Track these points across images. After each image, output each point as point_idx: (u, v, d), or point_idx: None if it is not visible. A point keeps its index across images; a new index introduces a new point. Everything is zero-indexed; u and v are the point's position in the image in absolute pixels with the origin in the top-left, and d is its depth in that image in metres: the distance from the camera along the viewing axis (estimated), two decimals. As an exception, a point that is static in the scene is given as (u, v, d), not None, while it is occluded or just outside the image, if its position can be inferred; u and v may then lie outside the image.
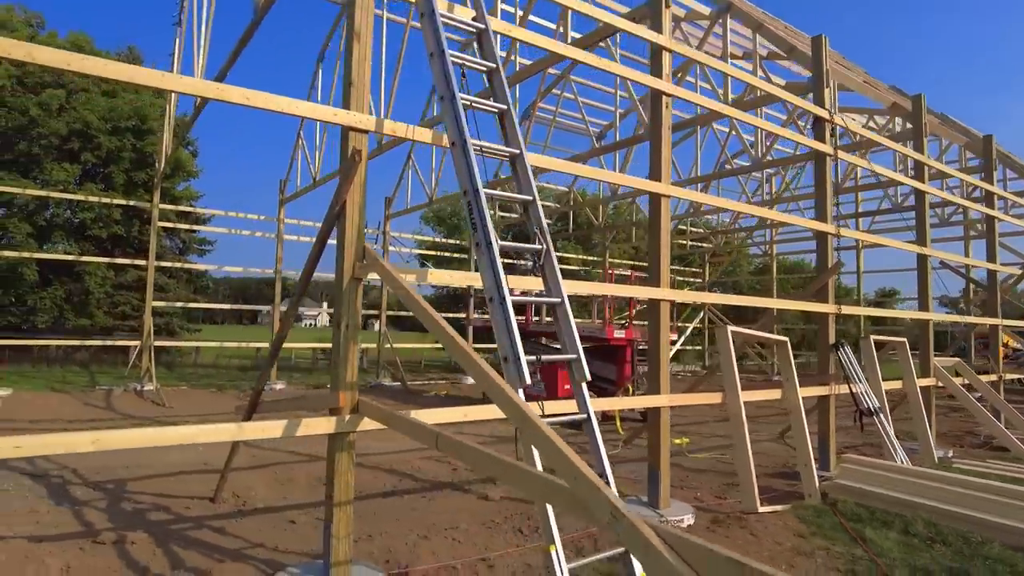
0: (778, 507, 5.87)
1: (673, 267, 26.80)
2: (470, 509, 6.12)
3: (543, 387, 11.98)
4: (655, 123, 5.87)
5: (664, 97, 5.83)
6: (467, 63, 4.03)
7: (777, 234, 22.93)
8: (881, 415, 7.16)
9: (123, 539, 4.85)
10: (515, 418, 2.90)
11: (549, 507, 3.09)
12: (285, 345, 19.98)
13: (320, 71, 13.28)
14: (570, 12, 7.00)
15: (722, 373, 6.24)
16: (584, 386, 3.70)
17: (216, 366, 23.45)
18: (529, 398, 11.43)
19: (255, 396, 5.11)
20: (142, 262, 15.47)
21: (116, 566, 4.41)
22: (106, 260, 16.79)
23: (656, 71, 5.87)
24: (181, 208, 19.77)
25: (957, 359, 9.93)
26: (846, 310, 7.80)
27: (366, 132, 4.09)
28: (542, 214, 3.82)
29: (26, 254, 15.69)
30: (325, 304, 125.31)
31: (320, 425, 3.81)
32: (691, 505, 5.92)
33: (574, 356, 3.62)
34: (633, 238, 22.71)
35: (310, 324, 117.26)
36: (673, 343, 16.73)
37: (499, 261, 3.36)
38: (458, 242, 24.05)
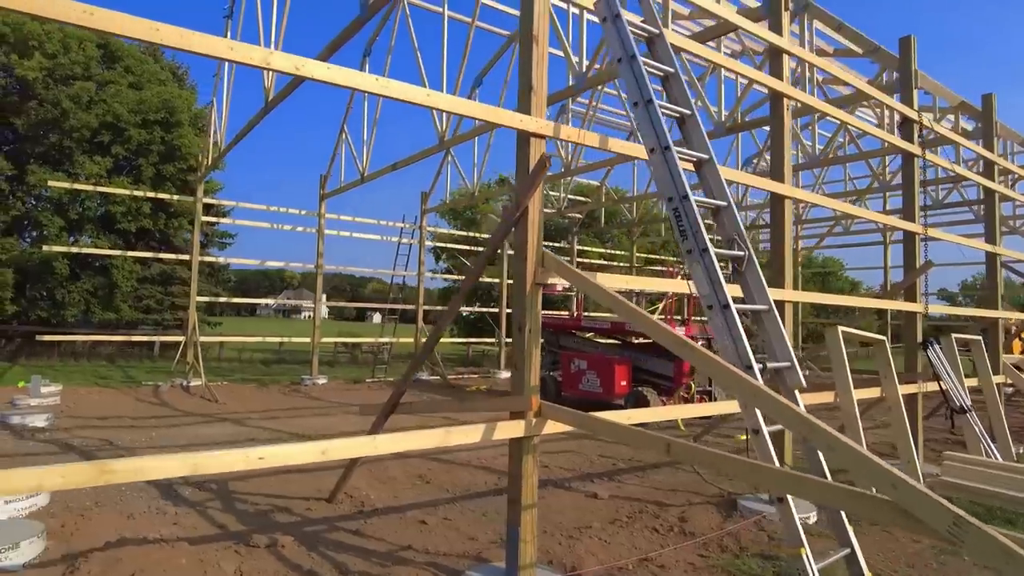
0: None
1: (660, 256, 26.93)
2: (587, 508, 6.16)
3: (598, 385, 11.97)
4: (777, 124, 5.88)
5: (785, 99, 5.84)
6: (651, 68, 4.02)
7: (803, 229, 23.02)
8: (972, 413, 7.25)
9: (274, 543, 4.86)
10: (793, 423, 2.90)
11: (843, 514, 3.11)
12: (296, 340, 19.77)
13: (367, 66, 13.18)
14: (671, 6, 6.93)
15: (834, 372, 6.28)
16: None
17: (240, 360, 23.40)
18: (584, 396, 11.48)
19: (396, 397, 5.10)
20: (185, 256, 15.36)
21: (282, 571, 4.42)
22: (150, 255, 16.68)
23: (776, 73, 5.88)
24: (209, 201, 19.60)
25: (1020, 356, 10.04)
26: (932, 309, 7.86)
27: (544, 138, 4.09)
28: (739, 219, 3.83)
29: (92, 250, 15.54)
30: (324, 296, 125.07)
31: (511, 429, 3.82)
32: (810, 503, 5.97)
33: (787, 364, 3.62)
34: (663, 232, 22.82)
35: (308, 316, 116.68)
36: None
37: (718, 268, 3.38)
38: (475, 235, 24.04)
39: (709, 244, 3.43)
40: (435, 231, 20.17)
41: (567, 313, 15.46)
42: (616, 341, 13.54)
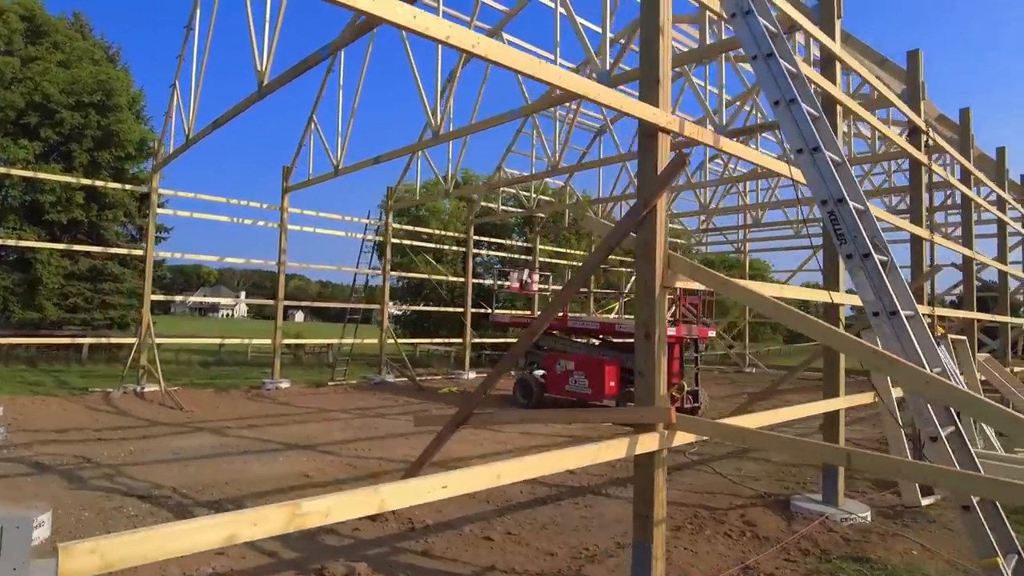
0: (938, 496, 6.16)
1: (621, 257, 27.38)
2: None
3: (586, 386, 11.94)
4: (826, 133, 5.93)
5: (838, 105, 5.91)
6: (788, 69, 3.91)
7: (749, 232, 23.91)
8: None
9: (351, 571, 4.44)
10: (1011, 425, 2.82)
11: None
12: (256, 341, 18.68)
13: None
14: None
15: (873, 375, 6.43)
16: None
17: (178, 362, 21.82)
18: (571, 398, 11.38)
19: (472, 404, 4.78)
20: (138, 252, 14.11)
21: (375, 599, 4.03)
22: (98, 249, 15.10)
23: (830, 77, 5.95)
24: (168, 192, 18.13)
25: (986, 355, 10.74)
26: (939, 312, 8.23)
27: (669, 133, 3.90)
28: (876, 222, 3.77)
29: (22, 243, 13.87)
30: (243, 294, 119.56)
31: (649, 443, 3.62)
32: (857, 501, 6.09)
33: (939, 370, 3.58)
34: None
35: (226, 315, 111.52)
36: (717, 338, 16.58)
37: (883, 274, 3.30)
38: (440, 233, 23.51)
39: (872, 248, 3.34)
40: (403, 228, 19.51)
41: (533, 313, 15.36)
42: (598, 341, 13.54)
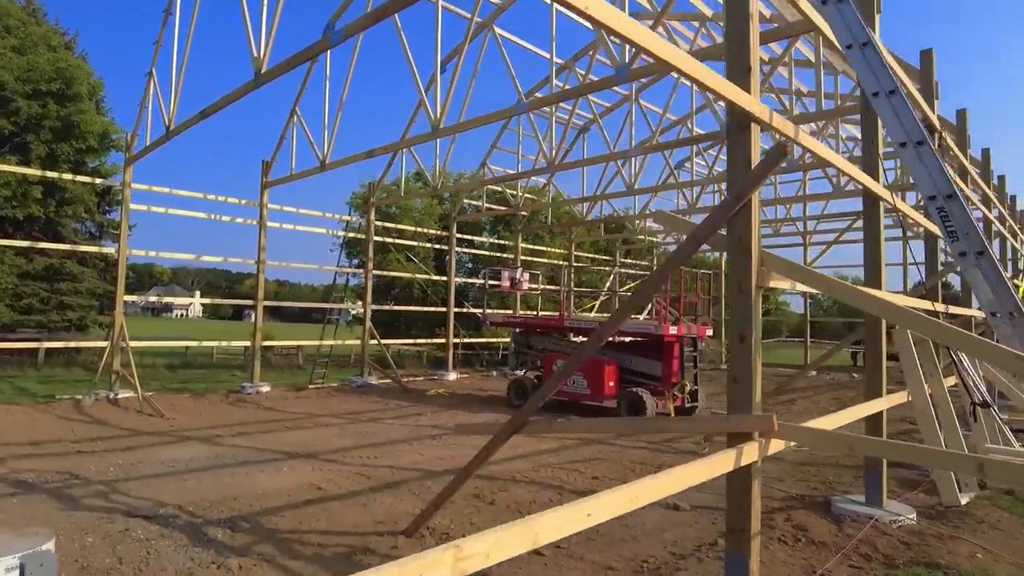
0: (972, 495, 6.15)
1: (588, 255, 27.43)
2: (680, 522, 5.84)
3: (585, 386, 11.75)
4: (869, 130, 5.85)
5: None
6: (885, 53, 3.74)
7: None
8: (995, 407, 7.73)
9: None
10: None
11: None
12: (236, 343, 17.79)
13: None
14: None
15: (905, 373, 6.39)
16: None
17: (142, 365, 20.71)
18: (569, 398, 11.17)
19: (528, 412, 4.48)
20: (110, 250, 13.27)
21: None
22: (67, 247, 14.18)
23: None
24: (140, 187, 17.19)
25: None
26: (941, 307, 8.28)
27: (760, 123, 3.69)
28: (970, 213, 3.63)
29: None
30: (198, 293, 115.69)
31: (750, 453, 3.40)
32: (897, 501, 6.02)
33: None
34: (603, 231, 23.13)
35: (181, 315, 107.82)
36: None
37: (1001, 271, 3.15)
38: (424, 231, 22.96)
39: (987, 245, 3.19)
40: (384, 225, 18.97)
41: (531, 313, 15.10)
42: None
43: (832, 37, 4.46)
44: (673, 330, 11.32)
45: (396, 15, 9.03)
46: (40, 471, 7.06)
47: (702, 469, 3.03)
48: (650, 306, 14.00)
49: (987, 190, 11.73)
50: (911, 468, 7.47)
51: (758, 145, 3.66)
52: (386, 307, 19.37)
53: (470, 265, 27.31)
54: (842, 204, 20.52)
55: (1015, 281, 15.68)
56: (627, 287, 23.66)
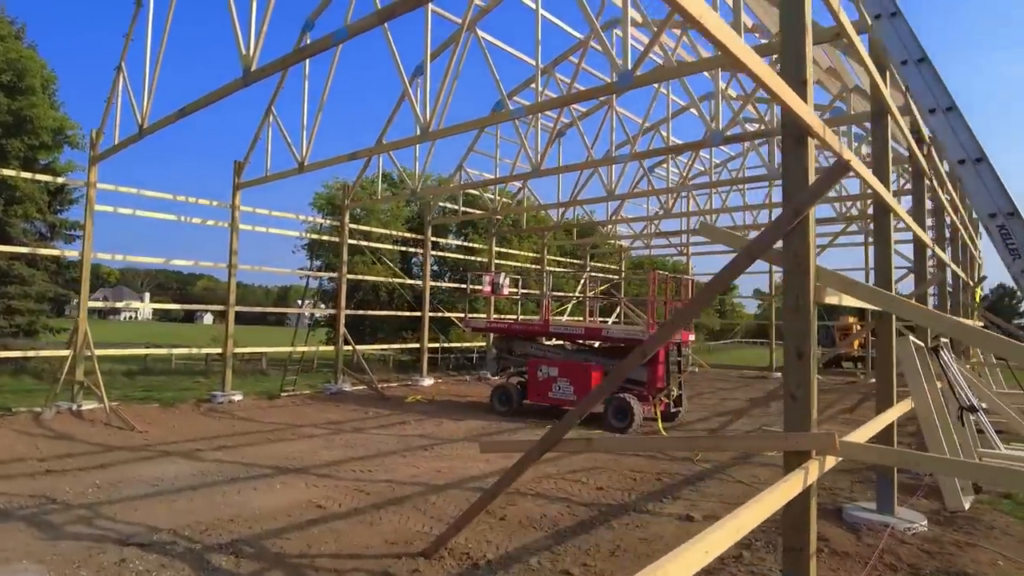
0: (971, 498, 6.29)
1: (555, 258, 27.47)
2: (694, 534, 5.76)
3: (571, 392, 11.70)
4: (880, 141, 5.93)
5: (888, 117, 5.91)
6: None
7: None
8: (981, 412, 7.97)
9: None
10: None
11: None
12: (208, 350, 17.08)
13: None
14: None
15: (908, 380, 6.50)
16: None
17: (100, 372, 19.68)
18: (555, 405, 11.11)
19: (564, 428, 4.34)
20: (73, 254, 12.52)
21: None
22: (27, 251, 13.23)
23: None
24: (106, 187, 16.30)
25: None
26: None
27: (815, 137, 3.64)
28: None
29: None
30: (147, 295, 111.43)
31: (814, 473, 3.34)
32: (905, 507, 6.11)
33: None
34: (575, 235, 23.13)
35: (129, 317, 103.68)
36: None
37: (1064, 291, 3.17)
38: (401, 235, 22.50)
39: (1050, 263, 3.21)
40: (351, 227, 18.51)
41: (512, 318, 14.95)
42: (572, 346, 13.33)
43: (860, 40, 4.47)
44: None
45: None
46: (10, 495, 6.56)
47: (780, 493, 2.95)
48: (619, 309, 14.01)
49: (955, 193, 12.17)
50: (905, 472, 7.62)
51: (813, 158, 3.61)
52: (360, 312, 18.90)
53: (435, 267, 26.94)
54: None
55: (976, 289, 16.32)
56: (599, 291, 23.78)
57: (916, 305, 3.46)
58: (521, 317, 16.26)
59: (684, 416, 12.56)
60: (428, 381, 18.10)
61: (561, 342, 14.14)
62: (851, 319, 29.56)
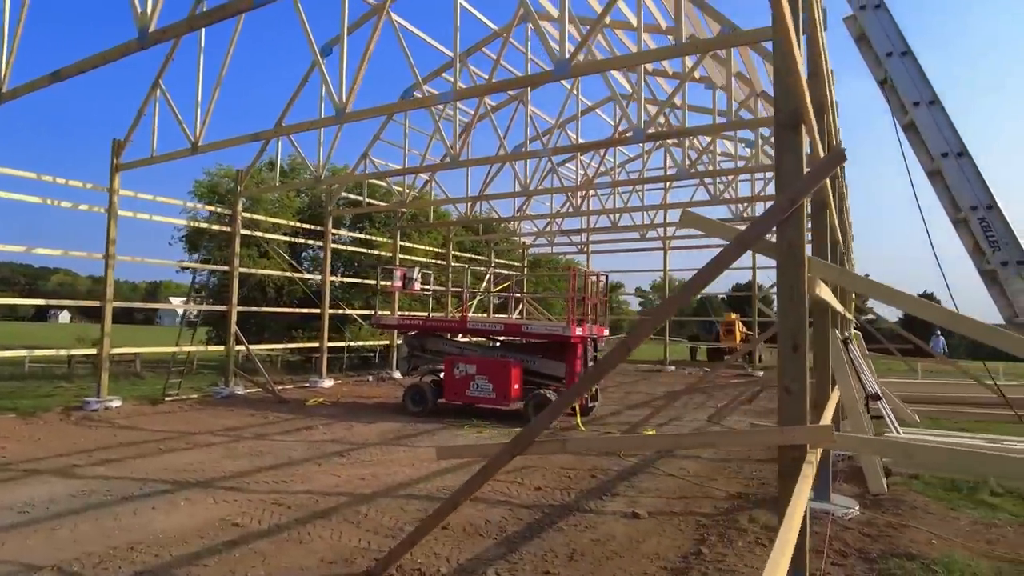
0: (885, 481, 6.68)
1: (458, 253, 27.18)
2: (649, 531, 5.69)
3: (491, 390, 11.52)
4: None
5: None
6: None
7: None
8: (884, 400, 8.57)
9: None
10: None
11: None
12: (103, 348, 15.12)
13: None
14: None
15: (835, 370, 6.80)
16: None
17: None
18: (473, 403, 11.01)
19: (535, 430, 4.05)
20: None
21: None
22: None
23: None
24: None
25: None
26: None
27: (808, 126, 3.59)
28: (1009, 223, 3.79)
29: None
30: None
31: (811, 467, 3.28)
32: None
33: None
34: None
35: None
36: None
37: (1039, 282, 3.30)
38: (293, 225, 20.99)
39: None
40: (253, 217, 17.11)
41: (424, 315, 14.38)
42: (487, 341, 13.07)
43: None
44: (579, 331, 11.35)
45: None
46: None
47: (800, 495, 2.83)
48: (521, 306, 13.94)
49: (844, 193, 13.16)
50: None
51: (804, 147, 3.56)
52: (254, 309, 17.54)
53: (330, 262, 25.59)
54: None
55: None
56: (501, 287, 23.69)
57: (921, 301, 3.50)
58: (436, 315, 15.74)
59: (598, 410, 12.66)
60: (328, 382, 17.13)
61: (472, 339, 13.83)
62: (733, 315, 31.53)
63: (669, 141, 12.96)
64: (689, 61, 10.52)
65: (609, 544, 5.33)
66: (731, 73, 10.72)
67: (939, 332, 25.76)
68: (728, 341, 28.19)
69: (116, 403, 12.04)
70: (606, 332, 12.89)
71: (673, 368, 25.20)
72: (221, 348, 15.51)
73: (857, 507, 5.93)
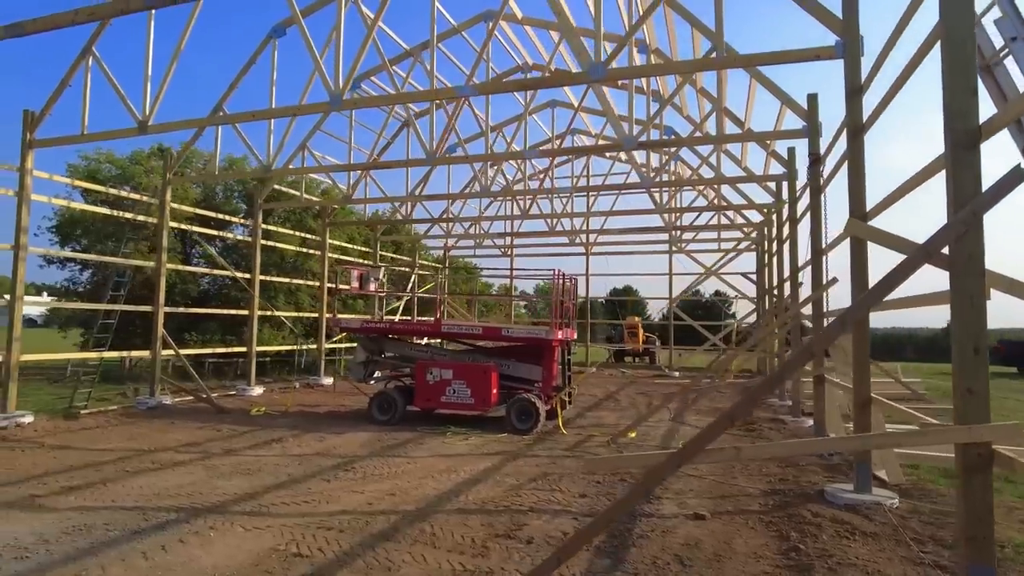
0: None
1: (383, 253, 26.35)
2: (721, 535, 5.77)
3: (469, 395, 11.41)
4: (857, 153, 6.60)
5: (863, 135, 6.61)
6: None
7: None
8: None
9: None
10: None
11: None
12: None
13: None
14: None
15: (838, 371, 7.32)
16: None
17: None
18: (448, 409, 11.02)
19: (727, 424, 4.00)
20: None
21: None
22: None
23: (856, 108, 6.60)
24: None
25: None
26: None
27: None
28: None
29: None
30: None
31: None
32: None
33: None
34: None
35: None
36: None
37: None
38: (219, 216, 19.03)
39: None
40: (180, 208, 15.40)
41: (397, 318, 13.69)
42: (467, 346, 12.74)
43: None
44: (559, 335, 11.37)
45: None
46: None
47: (982, 488, 2.99)
48: (443, 308, 13.67)
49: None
50: (821, 456, 8.45)
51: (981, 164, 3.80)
52: (182, 310, 15.86)
53: (227, 257, 23.53)
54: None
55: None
56: (427, 287, 23.24)
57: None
58: (403, 318, 15.08)
59: (565, 413, 12.72)
60: (257, 390, 15.87)
61: (440, 342, 13.42)
62: (636, 318, 33.05)
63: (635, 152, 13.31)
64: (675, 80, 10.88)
65: (702, 547, 5.35)
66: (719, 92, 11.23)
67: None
68: (631, 343, 29.52)
69: (28, 419, 10.39)
70: (575, 335, 13.01)
71: (595, 369, 25.95)
72: (146, 353, 13.78)
73: (898, 498, 6.40)
